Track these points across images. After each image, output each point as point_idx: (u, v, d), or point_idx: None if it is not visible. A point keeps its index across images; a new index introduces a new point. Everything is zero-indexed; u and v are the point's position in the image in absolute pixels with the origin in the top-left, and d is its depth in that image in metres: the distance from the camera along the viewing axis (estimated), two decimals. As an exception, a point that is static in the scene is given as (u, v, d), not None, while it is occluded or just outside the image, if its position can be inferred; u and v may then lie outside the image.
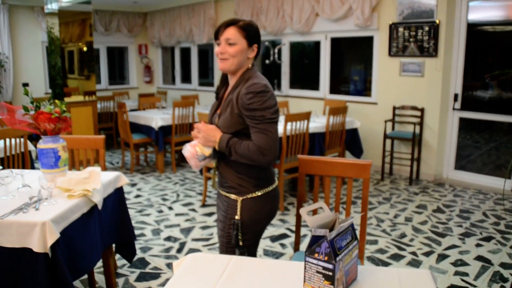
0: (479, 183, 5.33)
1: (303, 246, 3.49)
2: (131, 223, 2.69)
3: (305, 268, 1.32)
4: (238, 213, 1.91)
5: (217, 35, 1.88)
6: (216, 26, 8.09)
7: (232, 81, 1.94)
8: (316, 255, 1.28)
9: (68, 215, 2.00)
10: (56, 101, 2.32)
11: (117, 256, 3.16)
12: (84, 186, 2.20)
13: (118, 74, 10.33)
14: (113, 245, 2.69)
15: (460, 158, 5.68)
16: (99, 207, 2.24)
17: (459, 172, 5.58)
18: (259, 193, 1.92)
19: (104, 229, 2.38)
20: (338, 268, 1.27)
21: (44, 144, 2.28)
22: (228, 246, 1.96)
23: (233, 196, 1.93)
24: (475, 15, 5.24)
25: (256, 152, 1.80)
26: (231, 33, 1.84)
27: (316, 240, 1.29)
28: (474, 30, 5.27)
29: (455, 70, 5.36)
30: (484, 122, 5.65)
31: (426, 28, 5.29)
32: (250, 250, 1.97)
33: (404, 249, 3.58)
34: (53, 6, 5.95)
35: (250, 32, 1.87)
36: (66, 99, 5.88)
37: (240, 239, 1.91)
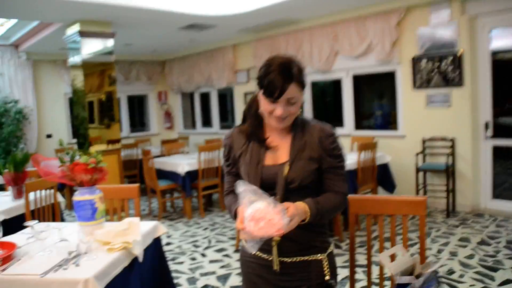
0: (521, 213, 5.09)
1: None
2: (171, 274, 2.57)
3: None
4: (328, 272, 1.68)
5: (273, 93, 1.55)
6: (235, 69, 8.19)
7: (278, 126, 1.68)
8: (399, 304, 1.15)
9: (110, 270, 1.90)
10: (92, 151, 2.27)
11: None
12: (124, 238, 2.10)
13: (138, 121, 10.43)
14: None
15: (496, 186, 5.46)
16: (140, 259, 2.13)
17: (498, 201, 5.35)
18: (332, 242, 1.76)
19: (145, 282, 2.26)
20: (425, 318, 1.14)
21: (81, 195, 2.20)
22: None
23: (317, 256, 1.69)
24: (499, 43, 5.17)
25: (342, 201, 1.68)
26: (293, 91, 1.56)
27: None
28: (499, 57, 5.18)
29: (483, 98, 5.23)
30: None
31: (450, 59, 5.22)
32: None
33: (456, 287, 3.36)
34: (75, 59, 6.08)
35: (305, 81, 1.64)
36: (91, 149, 5.89)
37: None
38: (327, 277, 1.65)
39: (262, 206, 1.44)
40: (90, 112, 6.10)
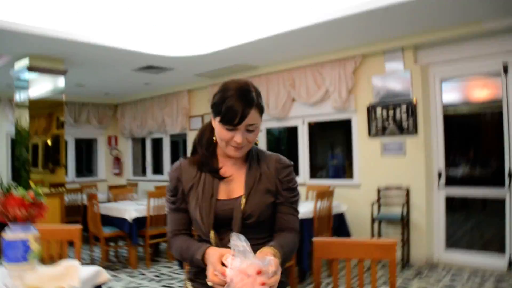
0: (472, 263, 5.08)
1: None
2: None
3: None
4: None
5: (232, 120, 1.45)
6: (189, 115, 8.06)
7: (235, 156, 1.58)
8: None
9: (41, 321, 1.61)
10: (31, 183, 2.01)
11: None
12: (58, 283, 1.81)
13: (85, 166, 9.95)
14: None
15: (448, 237, 5.48)
16: (77, 308, 1.84)
17: (451, 252, 5.34)
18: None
19: (82, 337, 1.95)
20: None
21: (12, 233, 1.91)
22: None
23: None
24: (450, 96, 5.38)
25: (297, 239, 1.62)
26: (253, 117, 1.48)
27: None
28: (450, 111, 5.36)
29: (436, 147, 5.34)
30: (460, 201, 5.62)
31: (404, 107, 5.34)
32: None
33: None
34: (22, 97, 5.74)
35: (263, 105, 1.55)
36: (31, 191, 5.44)
37: None
38: None
39: (256, 262, 1.30)
40: (34, 155, 5.71)
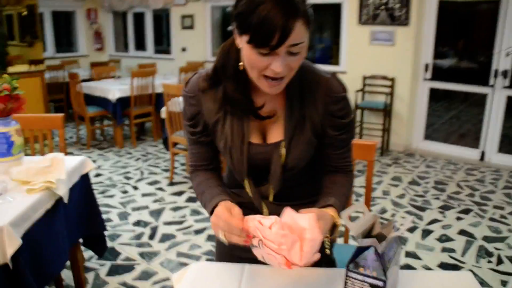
0: (448, 153, 5.31)
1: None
2: (100, 212, 2.37)
3: (346, 284, 1.08)
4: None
5: (269, 39, 0.98)
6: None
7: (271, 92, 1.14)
8: (361, 269, 1.05)
9: (30, 214, 1.66)
10: (5, 75, 1.93)
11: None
12: (46, 177, 1.84)
13: (65, 40, 9.57)
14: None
15: (427, 127, 5.65)
16: (65, 200, 1.90)
17: (428, 142, 5.54)
18: None
19: (71, 224, 2.05)
20: (388, 284, 1.05)
21: (-7, 127, 1.89)
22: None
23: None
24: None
25: (352, 181, 1.34)
26: (300, 33, 1.01)
27: (360, 251, 1.05)
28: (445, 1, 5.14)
29: (426, 40, 5.22)
30: (443, 91, 5.67)
31: (399, -5, 5.09)
32: None
33: (387, 226, 3.45)
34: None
35: (311, 13, 1.06)
36: (10, 69, 5.29)
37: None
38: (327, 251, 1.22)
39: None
40: (9, 28, 5.42)
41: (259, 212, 1.30)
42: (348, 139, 1.29)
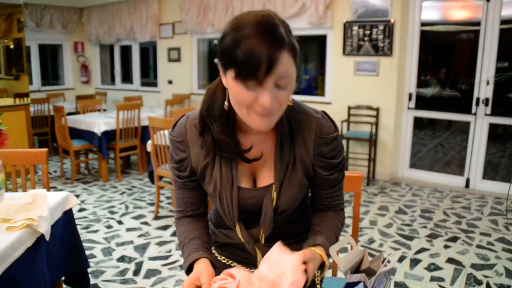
0: (433, 181, 5.35)
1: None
2: (84, 249, 2.31)
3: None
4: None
5: (255, 70, 0.97)
6: (159, 22, 7.68)
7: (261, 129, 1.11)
8: (349, 306, 1.03)
9: (9, 253, 1.61)
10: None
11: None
12: (27, 214, 1.80)
13: (51, 73, 9.57)
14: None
15: (412, 155, 5.70)
16: (47, 237, 1.86)
17: (413, 170, 5.58)
18: None
19: (53, 262, 2.00)
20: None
21: (-26, 163, 1.86)
22: None
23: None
24: (428, 14, 5.27)
25: (343, 219, 1.34)
26: (286, 64, 1.00)
27: (350, 287, 1.03)
28: (426, 29, 5.29)
29: (409, 69, 5.33)
30: (427, 120, 5.77)
31: (381, 27, 5.21)
32: None
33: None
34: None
35: (297, 46, 1.06)
36: (-5, 103, 5.26)
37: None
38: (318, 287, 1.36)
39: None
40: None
41: (250, 253, 1.29)
42: (339, 178, 1.27)
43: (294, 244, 1.22)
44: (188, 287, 1.06)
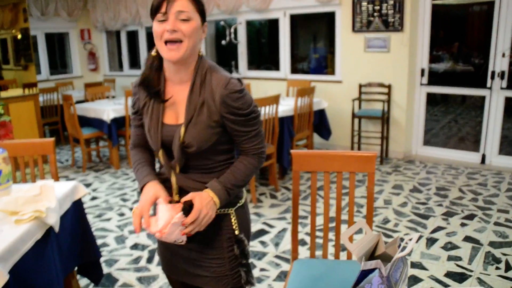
0: (448, 158, 5.25)
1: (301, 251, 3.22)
2: (95, 239, 2.29)
3: (350, 312, 1.01)
4: (237, 227, 1.56)
5: (159, 8, 1.36)
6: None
7: (178, 74, 1.47)
8: (366, 295, 0.98)
9: (19, 247, 1.59)
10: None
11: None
12: (35, 206, 1.78)
13: (59, 62, 9.54)
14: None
15: (426, 133, 5.60)
16: (56, 229, 1.84)
17: (427, 147, 5.48)
18: (245, 196, 1.65)
19: (64, 254, 1.98)
20: (394, 309, 0.98)
21: (-21, 156, 1.83)
22: (233, 273, 1.57)
23: (225, 211, 1.55)
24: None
25: (258, 162, 1.55)
26: (183, 4, 1.36)
27: (364, 275, 0.98)
28: (438, 3, 5.13)
29: (421, 45, 5.19)
30: (440, 96, 5.64)
31: (391, 2, 5.07)
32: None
33: (391, 236, 3.38)
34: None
35: (203, 5, 1.43)
36: (3, 94, 5.25)
37: (247, 254, 1.57)
38: (236, 232, 1.56)
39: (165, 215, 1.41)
40: (4, 52, 5.39)
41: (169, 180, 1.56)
42: (249, 127, 1.48)
43: (204, 174, 1.52)
44: (149, 203, 1.44)
